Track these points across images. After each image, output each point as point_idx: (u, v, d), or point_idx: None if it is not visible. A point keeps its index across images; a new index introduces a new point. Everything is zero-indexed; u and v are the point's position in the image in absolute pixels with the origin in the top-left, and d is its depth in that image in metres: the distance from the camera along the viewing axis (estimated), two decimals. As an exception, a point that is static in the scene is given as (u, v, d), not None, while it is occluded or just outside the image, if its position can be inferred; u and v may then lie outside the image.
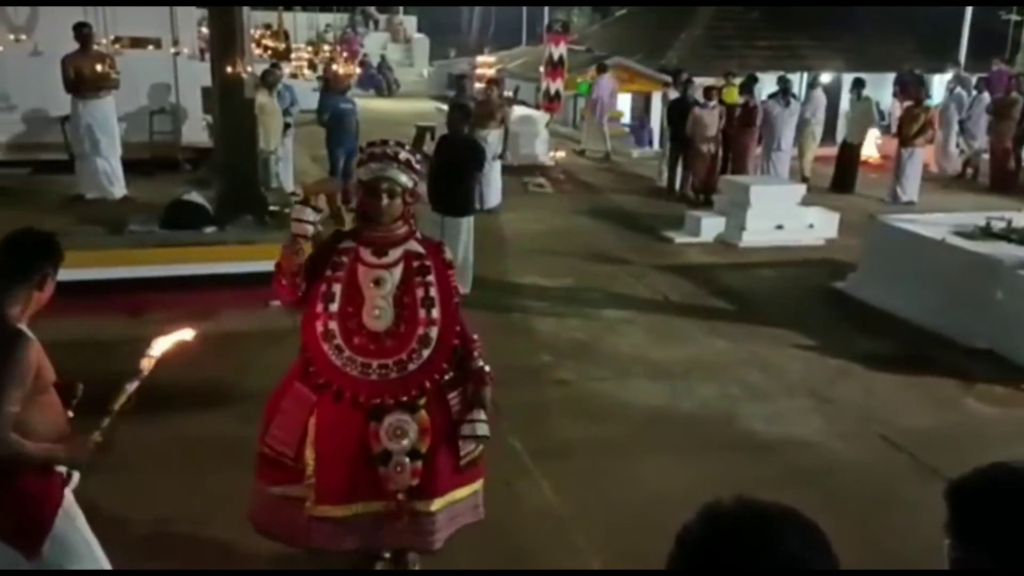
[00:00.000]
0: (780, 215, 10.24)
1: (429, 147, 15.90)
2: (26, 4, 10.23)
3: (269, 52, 17.06)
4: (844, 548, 1.33)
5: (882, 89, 17.85)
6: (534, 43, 25.42)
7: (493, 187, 11.38)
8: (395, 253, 3.37)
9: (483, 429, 3.42)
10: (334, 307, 3.25)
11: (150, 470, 4.58)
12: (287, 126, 10.77)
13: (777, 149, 12.84)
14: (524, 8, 30.49)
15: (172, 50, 10.33)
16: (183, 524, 4.20)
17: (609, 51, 19.52)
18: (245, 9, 7.85)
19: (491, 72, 16.12)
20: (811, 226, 10.44)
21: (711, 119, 12.15)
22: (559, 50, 14.84)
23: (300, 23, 23.58)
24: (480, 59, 21.79)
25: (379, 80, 26.28)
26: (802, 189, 10.93)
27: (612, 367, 6.46)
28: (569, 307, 7.75)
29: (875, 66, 18.30)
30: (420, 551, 3.57)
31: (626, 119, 19.72)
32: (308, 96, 15.59)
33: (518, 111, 14.58)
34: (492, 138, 11.26)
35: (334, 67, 13.53)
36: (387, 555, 3.70)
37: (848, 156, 13.74)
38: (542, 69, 15.85)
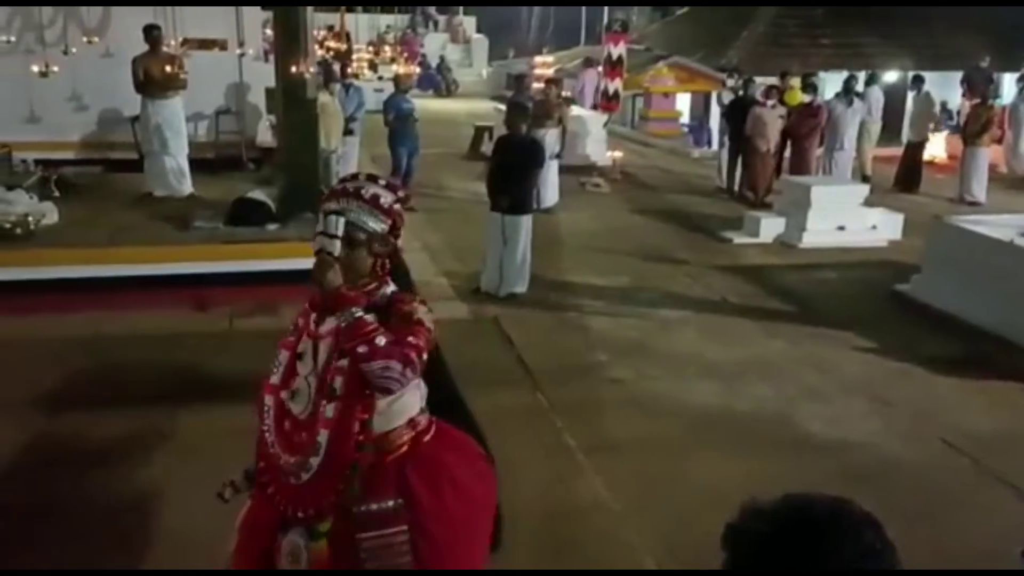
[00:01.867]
0: (842, 216, 10.07)
1: (487, 147, 16.02)
2: (98, 4, 10.55)
3: (331, 53, 17.32)
4: (902, 552, 1.32)
5: (951, 87, 17.42)
6: (593, 43, 25.36)
7: (550, 187, 11.41)
8: (331, 322, 2.53)
9: None
10: (275, 379, 2.64)
11: (217, 457, 4.71)
12: (349, 128, 10.95)
13: (839, 149, 12.62)
14: (583, 8, 30.42)
15: (238, 51, 10.57)
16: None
17: (669, 50, 19.41)
18: (308, 10, 8.01)
19: (549, 72, 16.14)
20: (874, 227, 10.25)
21: (771, 119, 12.00)
22: (618, 49, 14.76)
23: (361, 24, 23.89)
24: (539, 59, 21.81)
25: (438, 80, 26.49)
26: (865, 189, 10.74)
27: (667, 366, 6.44)
28: (625, 306, 7.74)
29: (944, 64, 17.86)
30: None
31: (685, 119, 19.61)
32: (370, 96, 15.82)
33: (576, 111, 14.58)
34: (550, 138, 11.29)
35: (396, 67, 13.70)
36: None
37: (912, 155, 13.45)
38: (601, 69, 15.82)
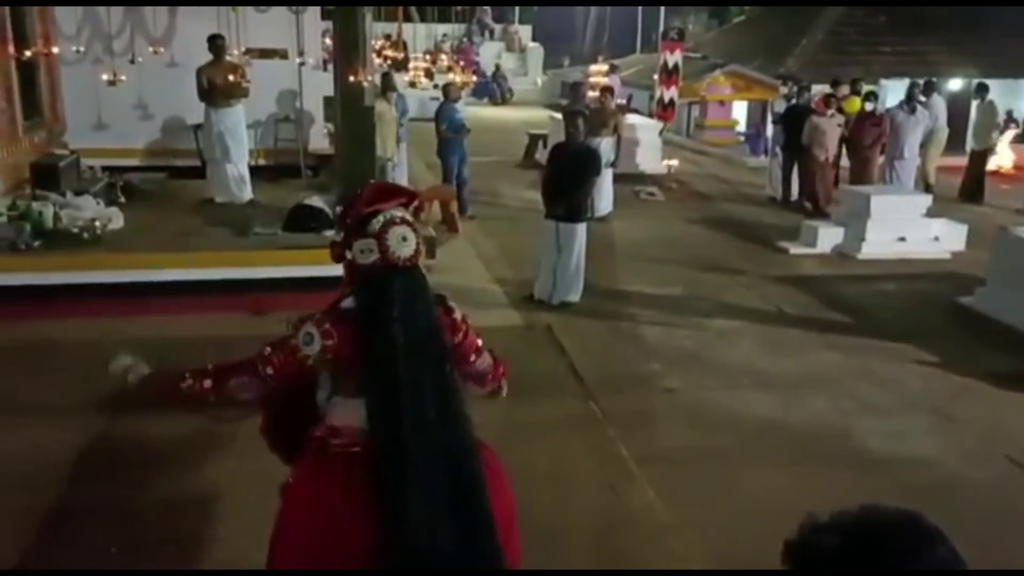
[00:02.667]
0: (903, 226, 9.87)
1: (541, 155, 16.04)
2: (164, 5, 10.80)
3: (389, 62, 17.53)
4: (967, 574, 1.29)
5: (1017, 95, 16.97)
6: (649, 51, 25.27)
7: (604, 195, 11.38)
8: None
9: None
10: None
11: (275, 461, 4.78)
12: (397, 135, 11.05)
13: (900, 158, 12.35)
14: (639, 16, 30.32)
15: (298, 60, 10.75)
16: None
17: (725, 58, 19.23)
18: (367, 20, 8.11)
19: (604, 80, 16.12)
20: (936, 238, 10.03)
21: (830, 127, 11.81)
22: (674, 57, 14.74)
23: (419, 33, 24.14)
24: (594, 67, 21.80)
25: (493, 89, 26.62)
26: (927, 199, 10.51)
27: (721, 376, 6.38)
28: (678, 316, 7.68)
29: (1008, 71, 17.39)
30: None
31: (741, 128, 19.41)
32: (426, 105, 15.99)
33: (631, 119, 14.54)
34: (605, 146, 11.27)
35: (452, 76, 13.79)
36: None
37: (976, 165, 13.12)
38: (656, 77, 15.76)
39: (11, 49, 8.30)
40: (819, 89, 12.95)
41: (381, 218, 2.54)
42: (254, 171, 10.00)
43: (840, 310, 7.99)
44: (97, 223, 7.59)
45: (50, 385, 5.71)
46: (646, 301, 8.08)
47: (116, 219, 8.02)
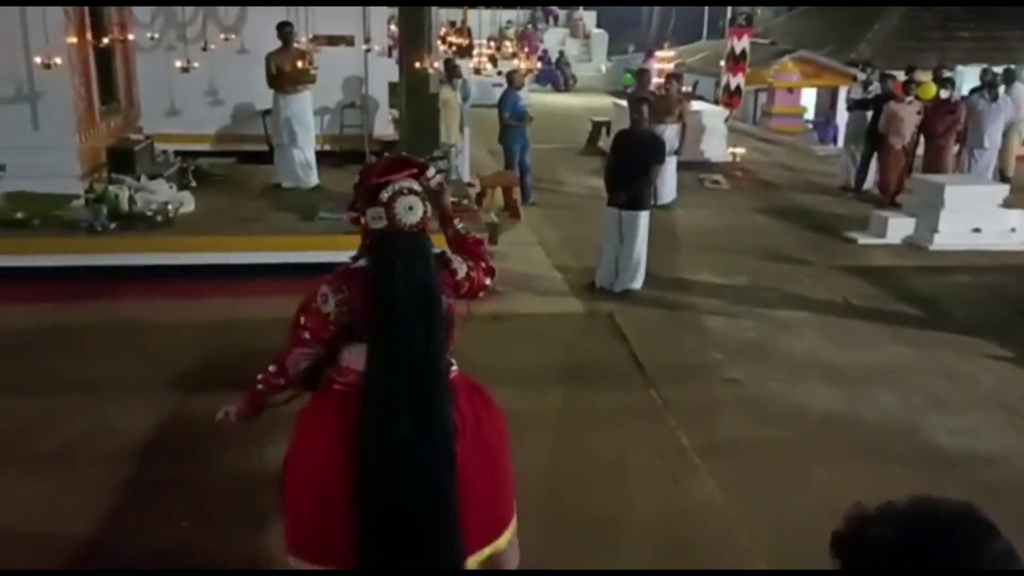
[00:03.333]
0: (978, 217, 9.59)
1: (605, 142, 15.94)
2: (235, 4, 11.02)
3: (453, 48, 17.58)
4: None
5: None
6: (716, 37, 24.89)
7: (668, 183, 11.28)
8: None
9: None
10: None
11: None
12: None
13: (980, 147, 11.97)
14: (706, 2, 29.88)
15: (364, 47, 10.85)
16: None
17: (794, 44, 18.87)
18: (432, 7, 8.15)
19: (670, 67, 15.94)
20: (1013, 230, 9.72)
21: (908, 115, 11.49)
22: (742, 44, 14.49)
23: (483, 19, 24.16)
24: (659, 54, 21.56)
25: (556, 75, 26.52)
26: (1004, 189, 10.18)
27: (786, 368, 6.29)
28: (742, 306, 7.59)
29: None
30: None
31: (809, 115, 19.03)
32: (489, 91, 16.01)
33: (696, 106, 14.37)
34: (669, 133, 11.16)
35: (517, 62, 13.78)
36: None
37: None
38: (723, 63, 15.53)
39: (89, 36, 8.53)
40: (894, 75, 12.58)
41: (391, 189, 2.82)
42: (320, 157, 10.14)
43: (910, 303, 7.80)
44: (170, 206, 7.78)
45: (126, 364, 5.91)
46: (709, 290, 8.00)
47: (188, 203, 8.21)
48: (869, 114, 12.16)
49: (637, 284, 7.75)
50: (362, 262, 2.93)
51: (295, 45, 9.67)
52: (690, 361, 6.40)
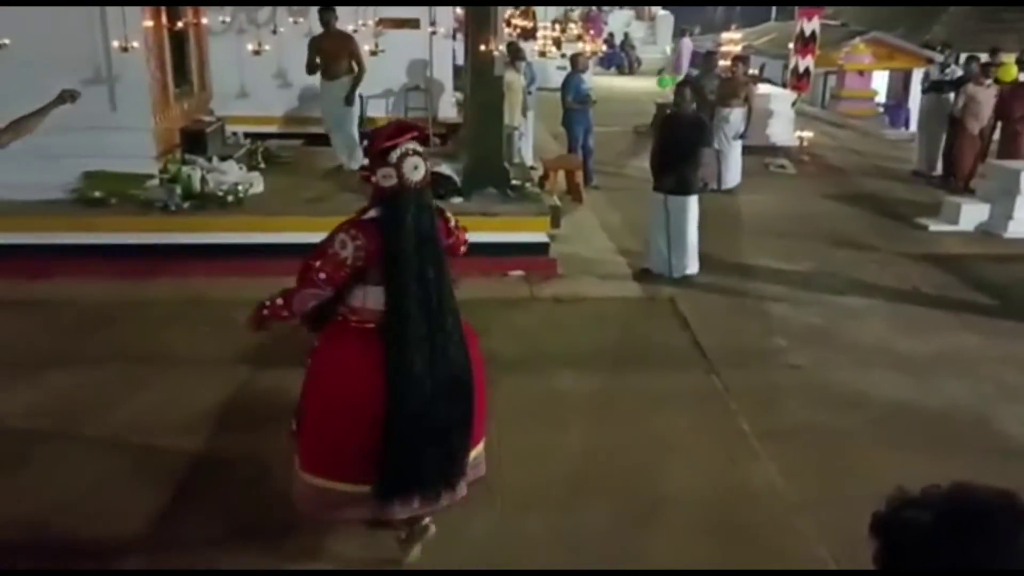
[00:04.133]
0: (1055, 204, 9.28)
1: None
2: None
3: (518, 31, 17.55)
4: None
5: None
6: (784, 19, 24.38)
7: (732, 167, 11.15)
8: None
9: None
10: None
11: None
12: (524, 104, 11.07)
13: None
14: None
15: (429, 30, 10.89)
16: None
17: (867, 25, 18.40)
18: (499, -10, 8.12)
19: (737, 49, 15.68)
20: (1092, 218, 9.39)
21: (986, 98, 11.14)
22: (812, 25, 14.15)
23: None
24: (725, 36, 21.19)
25: (620, 58, 26.31)
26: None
27: (851, 356, 6.19)
28: (806, 292, 7.48)
29: None
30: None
31: (880, 98, 18.55)
32: (552, 74, 15.93)
33: (763, 89, 14.13)
34: (734, 116, 11.03)
35: (582, 45, 13.71)
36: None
37: None
38: (791, 46, 15.22)
39: (164, 20, 8.73)
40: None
41: (399, 151, 3.24)
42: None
43: (982, 291, 7.61)
44: (240, 187, 7.96)
45: (196, 338, 6.09)
46: (772, 276, 7.90)
47: (257, 183, 8.39)
48: (947, 97, 11.83)
49: (692, 269, 7.63)
50: (373, 213, 3.32)
51: (339, 30, 9.50)
52: (752, 346, 6.34)
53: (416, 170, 3.26)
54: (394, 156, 3.23)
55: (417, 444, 3.30)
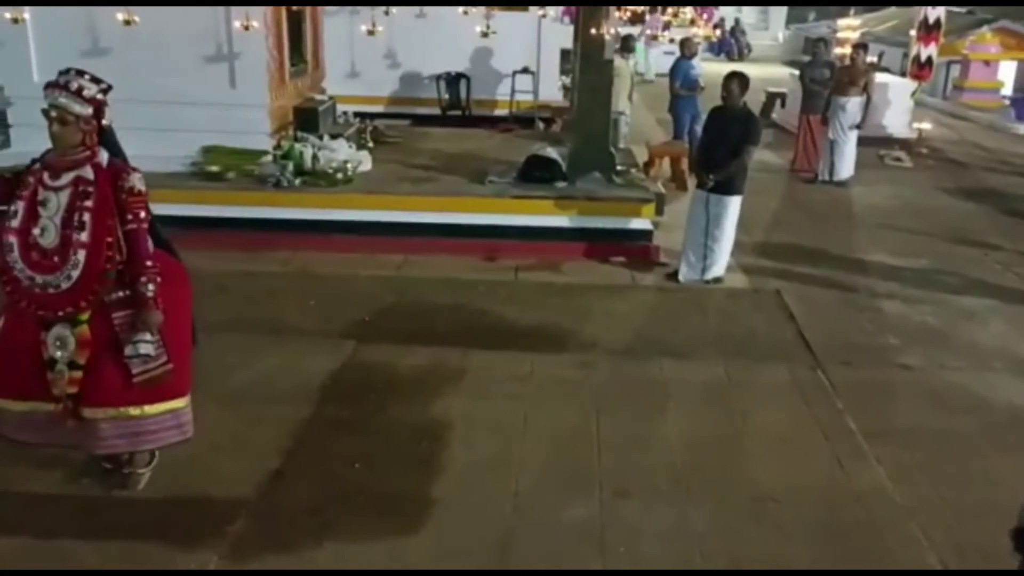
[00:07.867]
0: None
1: (779, 114, 15.42)
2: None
3: (628, 15, 17.35)
4: None
5: None
6: (906, 4, 23.41)
7: (846, 158, 10.79)
8: (67, 177, 3.64)
9: (145, 348, 3.72)
10: (15, 223, 3.63)
11: (500, 399, 5.03)
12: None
13: None
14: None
15: (539, 13, 10.87)
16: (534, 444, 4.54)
17: (996, 12, 17.50)
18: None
19: (855, 36, 15.13)
20: None
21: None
22: (936, 12, 13.56)
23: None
24: (843, 22, 20.49)
25: (730, 44, 25.74)
26: None
27: (968, 358, 5.93)
28: (921, 290, 7.20)
29: None
30: (88, 451, 3.95)
31: (1007, 90, 17.64)
32: (661, 60, 15.70)
33: (881, 78, 13.60)
34: (851, 106, 10.65)
35: (696, 29, 13.47)
36: (108, 465, 4.07)
37: None
38: (913, 33, 14.60)
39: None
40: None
41: None
42: (493, 121, 10.26)
43: (1114, 296, 7.18)
44: (349, 165, 8.12)
45: (305, 310, 6.27)
46: (886, 272, 7.62)
47: (365, 162, 8.55)
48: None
49: (721, 271, 7.19)
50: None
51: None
52: (861, 343, 6.14)
53: None
54: None
55: None
